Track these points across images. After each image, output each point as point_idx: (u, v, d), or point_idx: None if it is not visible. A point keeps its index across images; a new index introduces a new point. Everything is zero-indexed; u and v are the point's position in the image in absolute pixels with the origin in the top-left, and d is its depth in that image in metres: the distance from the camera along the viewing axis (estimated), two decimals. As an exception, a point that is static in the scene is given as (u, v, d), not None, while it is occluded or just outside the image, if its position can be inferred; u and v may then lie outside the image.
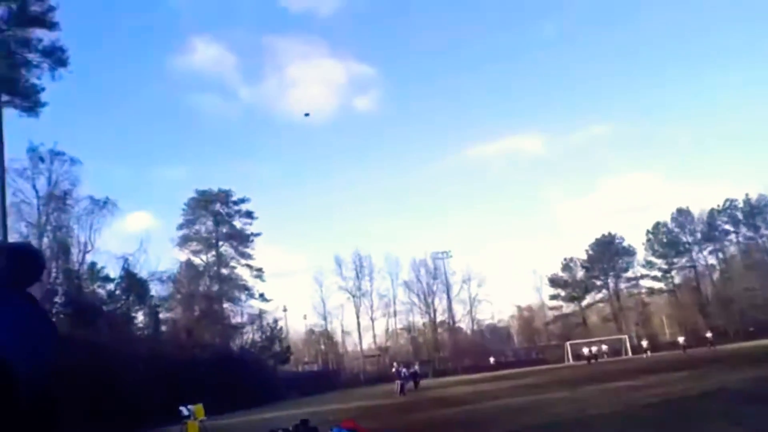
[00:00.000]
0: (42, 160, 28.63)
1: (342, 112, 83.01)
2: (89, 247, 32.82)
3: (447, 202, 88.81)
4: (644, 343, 49.47)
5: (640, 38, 79.95)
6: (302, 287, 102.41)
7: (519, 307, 70.23)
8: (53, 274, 28.90)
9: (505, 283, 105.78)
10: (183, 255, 50.11)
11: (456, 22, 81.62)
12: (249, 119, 78.52)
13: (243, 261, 53.23)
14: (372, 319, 64.37)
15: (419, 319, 66.07)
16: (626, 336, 57.06)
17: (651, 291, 65.74)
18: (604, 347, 52.75)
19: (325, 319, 64.05)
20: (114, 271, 36.72)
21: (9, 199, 25.15)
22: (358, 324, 64.11)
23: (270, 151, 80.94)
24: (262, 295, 52.62)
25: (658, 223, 64.79)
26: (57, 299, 29.42)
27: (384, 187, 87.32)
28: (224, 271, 52.08)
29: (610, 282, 66.16)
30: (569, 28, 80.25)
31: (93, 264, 35.09)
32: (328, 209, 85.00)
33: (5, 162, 24.44)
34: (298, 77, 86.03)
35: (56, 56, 26.21)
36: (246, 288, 52.34)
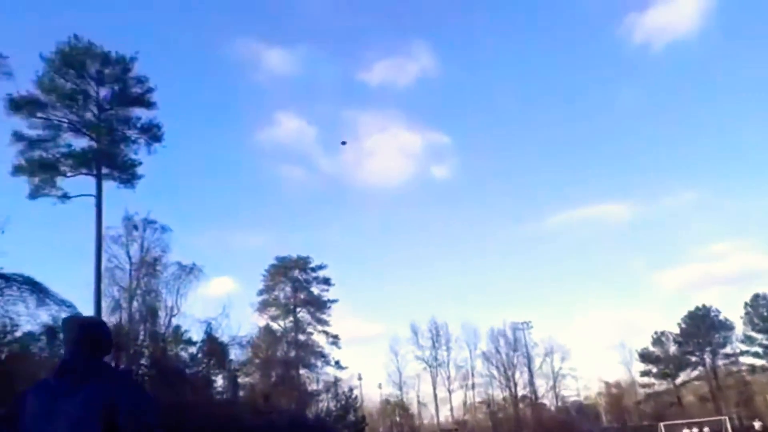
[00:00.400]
0: (136, 228, 30.61)
1: (418, 180, 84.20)
2: (175, 311, 34.25)
3: (527, 271, 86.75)
4: (757, 425, 44.81)
5: (727, 103, 77.15)
6: (378, 355, 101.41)
7: (607, 384, 66.13)
8: (141, 337, 30.23)
9: (591, 357, 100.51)
10: (262, 320, 51.30)
11: (535, 89, 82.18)
12: (328, 188, 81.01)
13: (320, 327, 53.76)
14: (449, 391, 62.51)
15: (499, 393, 63.47)
16: (726, 417, 52.26)
17: (752, 369, 60.30)
18: (706, 430, 48.42)
19: (400, 389, 62.86)
20: (197, 335, 37.96)
21: (104, 264, 26.88)
22: (435, 395, 62.37)
23: (347, 219, 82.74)
24: (337, 363, 52.60)
25: (757, 295, 60.11)
26: (143, 361, 30.62)
27: (461, 255, 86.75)
28: (301, 337, 52.68)
29: (707, 358, 61.35)
30: (653, 92, 78.78)
31: (177, 327, 36.48)
32: (404, 276, 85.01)
33: (103, 229, 26.33)
34: (376, 147, 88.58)
35: (152, 132, 28.50)
36: (322, 355, 52.56)
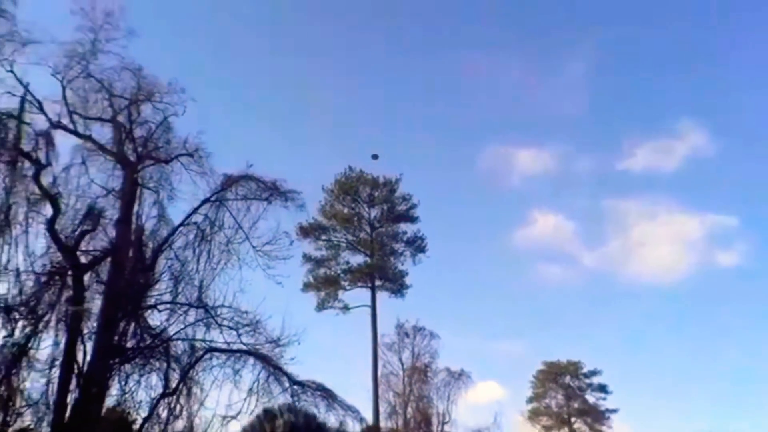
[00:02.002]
0: (407, 335, 32.32)
1: (702, 270, 74.67)
2: (447, 418, 34.52)
3: None
4: None
5: None
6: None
7: None
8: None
9: None
10: (534, 429, 48.68)
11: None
12: (591, 285, 76.32)
13: (600, 440, 48.93)
14: None
15: None
16: None
17: None
18: None
19: None
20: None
21: (380, 370, 28.62)
22: None
23: (618, 318, 76.16)
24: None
25: None
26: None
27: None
28: (579, 451, 48.45)
29: None
30: None
31: (449, 436, 36.46)
32: (692, 380, 73.87)
33: (378, 337, 28.38)
34: (645, 237, 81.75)
35: (417, 245, 30.67)
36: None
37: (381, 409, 26.67)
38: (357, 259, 29.97)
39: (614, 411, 49.88)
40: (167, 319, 17.26)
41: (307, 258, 29.34)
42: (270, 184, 19.95)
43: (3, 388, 13.84)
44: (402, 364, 32.13)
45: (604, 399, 50.41)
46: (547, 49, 57.04)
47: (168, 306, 17.46)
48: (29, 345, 14.63)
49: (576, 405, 50.66)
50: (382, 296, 29.40)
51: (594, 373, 50.94)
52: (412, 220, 31.17)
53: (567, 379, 51.42)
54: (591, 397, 50.83)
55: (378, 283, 29.18)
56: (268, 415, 0.98)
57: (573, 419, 50.07)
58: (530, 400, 51.55)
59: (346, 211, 30.47)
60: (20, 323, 14.70)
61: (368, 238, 30.07)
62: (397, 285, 29.54)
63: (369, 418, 20.74)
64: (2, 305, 14.39)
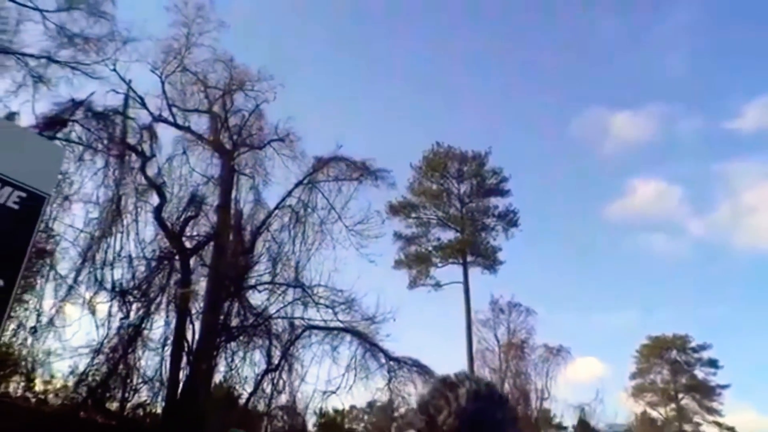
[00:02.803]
0: (502, 311, 31.90)
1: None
2: (545, 395, 33.96)
3: None
4: None
5: None
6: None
7: None
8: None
9: None
10: (638, 406, 46.91)
11: None
12: (698, 254, 71.81)
13: (710, 418, 46.37)
14: None
15: None
16: None
17: None
18: None
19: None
20: (568, 420, 36.71)
21: (475, 346, 28.52)
22: None
23: (728, 288, 71.36)
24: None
25: None
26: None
27: None
28: (687, 427, 46.17)
29: None
30: None
31: (547, 411, 35.93)
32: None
33: (471, 314, 28.22)
34: (757, 202, 75.72)
35: (509, 219, 29.99)
36: (718, 451, 44.96)
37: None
38: (448, 236, 29.81)
39: (726, 387, 47.00)
40: (267, 299, 18.04)
41: (397, 236, 29.53)
42: (360, 164, 20.20)
43: (121, 366, 14.98)
44: (497, 341, 31.85)
45: (714, 374, 47.60)
46: (644, 1, 53.45)
47: (267, 286, 18.20)
48: (143, 326, 15.74)
49: (683, 381, 48.20)
50: (474, 272, 29.11)
51: (703, 347, 48.15)
52: (503, 194, 30.53)
53: (673, 353, 48.96)
54: (700, 373, 48.15)
55: (470, 259, 28.86)
56: (448, 383, 0.93)
57: (680, 395, 47.73)
58: (634, 376, 49.61)
59: (435, 187, 30.27)
60: (134, 306, 15.84)
61: (458, 213, 29.76)
62: (489, 261, 29.12)
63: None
64: (118, 290, 15.53)
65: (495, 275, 29.48)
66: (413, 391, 18.93)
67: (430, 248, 29.71)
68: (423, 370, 19.20)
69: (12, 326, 12.81)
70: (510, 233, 29.89)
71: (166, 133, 20.36)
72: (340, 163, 20.11)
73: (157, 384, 15.68)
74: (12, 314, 8.98)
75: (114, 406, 15.15)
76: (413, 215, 29.89)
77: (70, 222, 15.52)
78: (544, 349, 32.81)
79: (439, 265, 29.41)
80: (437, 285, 29.14)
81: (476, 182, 30.07)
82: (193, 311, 16.53)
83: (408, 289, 29.15)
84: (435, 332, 44.10)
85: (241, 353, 17.20)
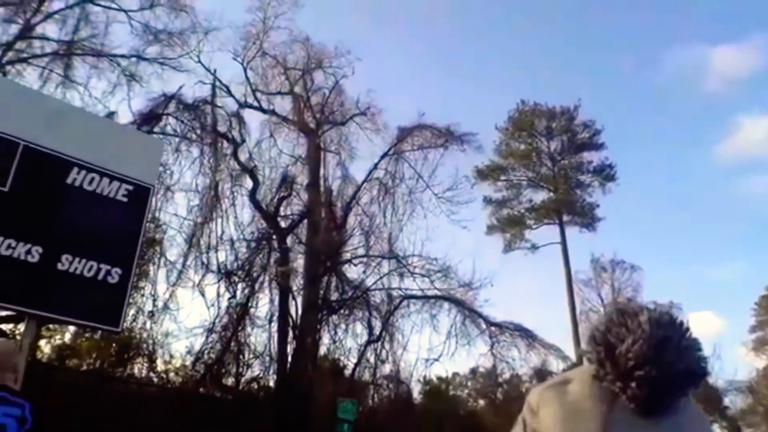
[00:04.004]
0: (604, 269, 30.73)
1: None
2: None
3: None
4: None
5: None
6: None
7: None
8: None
9: None
10: (760, 361, 43.99)
11: None
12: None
13: None
14: None
15: None
16: None
17: None
18: None
19: None
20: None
21: (578, 307, 27.69)
22: None
23: None
24: None
25: None
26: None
27: None
28: (820, 382, 42.90)
29: None
30: None
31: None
32: None
33: (572, 274, 27.35)
34: None
35: (605, 173, 28.61)
36: None
37: (584, 347, 25.82)
38: (540, 196, 28.86)
39: None
40: (363, 272, 18.31)
41: (487, 201, 28.97)
42: (444, 130, 19.90)
43: (233, 343, 15.76)
44: (602, 300, 30.74)
45: None
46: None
47: (362, 259, 18.46)
48: (249, 304, 16.44)
49: (811, 332, 44.70)
50: (571, 232, 28.08)
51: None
52: (597, 147, 29.07)
53: (797, 304, 45.41)
54: (830, 323, 44.42)
55: (566, 218, 27.83)
56: (626, 312, 0.87)
57: (808, 348, 44.31)
58: (753, 330, 46.47)
59: (523, 147, 29.30)
60: (239, 286, 16.55)
61: (550, 172, 28.68)
62: (586, 219, 27.95)
63: (572, 356, 20.20)
64: (223, 271, 16.27)
65: (594, 233, 28.38)
66: (517, 356, 18.73)
67: (522, 210, 28.97)
68: (526, 334, 18.90)
69: (132, 312, 13.74)
70: (607, 188, 28.56)
71: (252, 118, 20.96)
72: (424, 131, 19.89)
73: (267, 359, 16.40)
74: (131, 301, 9.61)
75: (229, 381, 16.02)
76: (503, 178, 29.18)
77: (174, 211, 16.39)
78: (653, 305, 31.33)
79: (534, 227, 28.67)
80: (533, 247, 28.47)
81: (567, 138, 28.82)
82: (294, 288, 17.06)
83: (503, 253, 28.69)
84: (534, 295, 43.28)
85: (342, 326, 17.63)
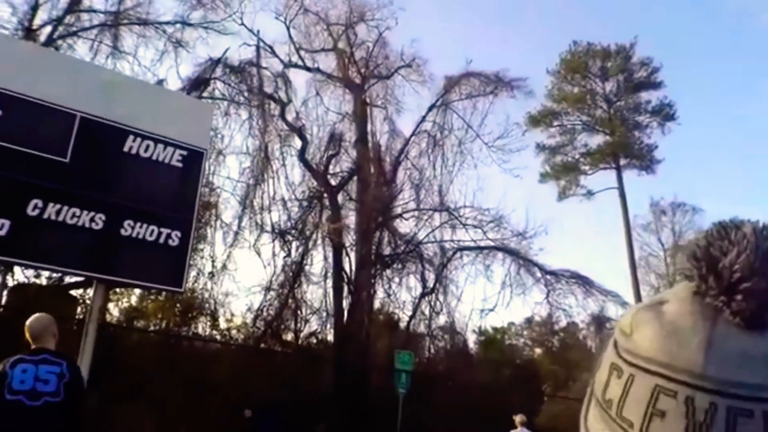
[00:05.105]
0: (664, 213, 29.80)
1: None
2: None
3: None
4: None
5: None
6: None
7: None
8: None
9: None
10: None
11: None
12: None
13: None
14: None
15: None
16: None
17: None
18: None
19: None
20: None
21: (637, 253, 27.02)
22: None
23: None
24: None
25: None
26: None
27: None
28: None
29: None
30: None
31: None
32: None
33: (630, 219, 26.60)
34: None
35: (664, 113, 27.32)
36: None
37: (643, 293, 25.35)
38: (596, 140, 27.86)
39: None
40: (415, 225, 18.36)
41: (540, 147, 28.21)
42: (493, 76, 19.40)
43: (290, 300, 16.20)
44: (662, 245, 29.93)
45: None
46: None
47: (413, 213, 18.48)
48: (304, 262, 16.82)
49: None
50: (629, 175, 27.12)
51: None
52: (655, 86, 27.65)
53: None
54: None
55: (623, 162, 26.85)
56: (727, 225, 0.83)
57: None
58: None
59: (576, 90, 28.20)
60: (294, 244, 16.91)
61: (606, 115, 27.58)
62: (645, 161, 26.88)
63: (631, 301, 19.87)
64: (277, 231, 16.62)
65: (653, 175, 27.40)
66: (574, 303, 18.56)
67: (577, 156, 28.13)
68: (582, 281, 18.66)
69: (192, 273, 14.27)
70: (666, 128, 27.33)
71: (298, 78, 20.89)
72: (471, 80, 19.44)
73: (324, 314, 16.83)
74: (191, 263, 9.96)
75: (289, 336, 16.57)
76: (555, 123, 28.30)
77: (227, 174, 16.74)
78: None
79: (589, 172, 27.85)
80: (589, 193, 27.74)
81: (623, 78, 27.53)
82: (347, 244, 17.28)
83: (557, 201, 28.12)
84: (591, 243, 42.59)
85: (396, 280, 17.83)
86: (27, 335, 3.97)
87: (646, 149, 27.18)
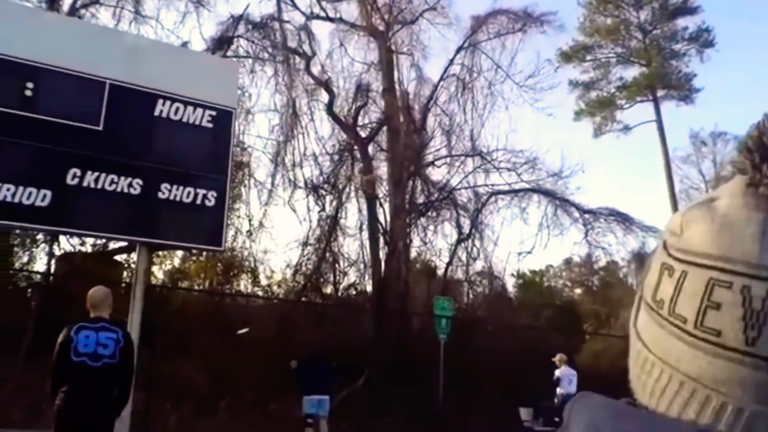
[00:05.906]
0: (704, 144, 28.90)
1: None
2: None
3: None
4: None
5: None
6: None
7: None
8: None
9: None
10: None
11: None
12: None
13: None
14: None
15: None
16: None
17: None
18: None
19: None
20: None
21: (677, 186, 26.38)
22: None
23: None
24: None
25: None
26: None
27: None
28: None
29: None
30: None
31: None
32: None
33: (669, 152, 25.84)
34: None
35: (702, 39, 26.08)
36: None
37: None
38: (631, 73, 26.78)
39: None
40: (448, 172, 18.20)
41: (573, 84, 27.30)
42: (521, 13, 18.77)
43: (328, 254, 16.41)
44: (703, 177, 29.13)
45: None
46: None
47: (445, 160, 18.31)
48: (338, 215, 16.93)
49: None
50: (667, 107, 26.15)
51: None
52: (692, 11, 26.28)
53: None
54: None
55: (660, 93, 25.85)
56: None
57: None
58: None
59: (609, 21, 27.02)
60: (327, 198, 17.00)
61: (641, 45, 26.41)
62: (684, 91, 25.83)
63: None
64: (310, 186, 16.71)
65: (693, 106, 26.41)
66: (613, 241, 18.35)
67: (612, 90, 27.20)
68: (622, 218, 18.38)
69: (231, 233, 14.52)
70: (705, 56, 26.12)
71: (321, 29, 20.51)
72: (499, 17, 18.82)
73: (362, 266, 17.03)
74: (228, 222, 10.13)
75: (328, 289, 16.87)
76: (589, 58, 27.30)
77: (257, 132, 16.74)
78: None
79: (626, 106, 26.97)
80: (626, 128, 26.96)
81: (658, 5, 26.23)
82: (380, 195, 17.29)
83: (593, 138, 27.45)
84: (629, 179, 41.66)
85: (431, 228, 17.84)
86: (88, 304, 4.47)
87: (684, 78, 26.11)
